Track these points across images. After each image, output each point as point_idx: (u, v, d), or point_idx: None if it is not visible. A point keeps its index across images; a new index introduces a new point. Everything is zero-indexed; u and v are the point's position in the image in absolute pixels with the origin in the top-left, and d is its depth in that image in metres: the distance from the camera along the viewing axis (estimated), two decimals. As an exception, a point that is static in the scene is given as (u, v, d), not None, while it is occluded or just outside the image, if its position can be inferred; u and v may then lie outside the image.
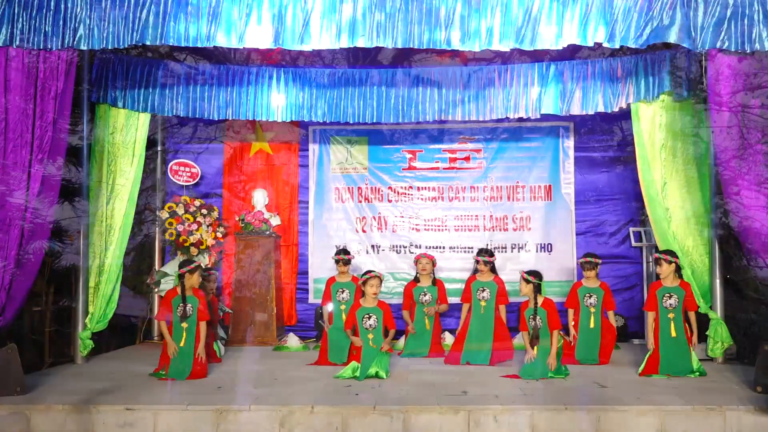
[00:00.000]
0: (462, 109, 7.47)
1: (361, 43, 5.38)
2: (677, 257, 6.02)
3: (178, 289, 5.88)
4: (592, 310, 6.62)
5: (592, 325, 6.60)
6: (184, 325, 5.82)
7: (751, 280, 6.99)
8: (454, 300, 7.40)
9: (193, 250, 7.74)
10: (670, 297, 5.88)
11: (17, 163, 5.38)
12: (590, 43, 5.39)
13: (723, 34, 5.33)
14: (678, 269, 5.99)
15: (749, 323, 6.65)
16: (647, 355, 5.91)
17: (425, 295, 7.05)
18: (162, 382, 5.63)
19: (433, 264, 7.18)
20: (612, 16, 5.36)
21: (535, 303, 5.81)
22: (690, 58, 6.85)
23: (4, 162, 5.35)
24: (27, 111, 5.42)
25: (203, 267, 5.93)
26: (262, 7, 5.42)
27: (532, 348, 5.77)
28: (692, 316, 5.94)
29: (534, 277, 5.82)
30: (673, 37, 5.29)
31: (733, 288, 6.97)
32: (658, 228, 6.93)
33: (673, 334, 5.82)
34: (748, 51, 5.36)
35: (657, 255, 6.03)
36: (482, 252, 6.96)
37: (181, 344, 5.80)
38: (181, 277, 5.89)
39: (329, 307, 7.09)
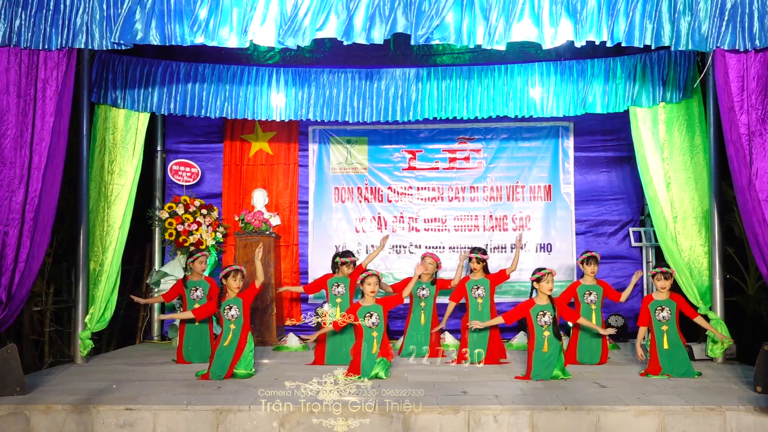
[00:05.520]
0: (462, 108, 7.48)
1: (363, 40, 5.37)
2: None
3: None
4: (593, 307, 6.62)
5: (594, 322, 6.57)
6: (233, 326, 5.84)
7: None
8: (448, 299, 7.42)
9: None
10: (663, 310, 5.93)
11: (17, 163, 5.38)
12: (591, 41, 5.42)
13: (726, 33, 5.35)
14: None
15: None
16: (647, 361, 5.95)
17: (423, 289, 7.06)
18: (163, 382, 5.63)
19: (437, 266, 7.19)
20: (617, 15, 5.38)
21: (551, 300, 5.87)
22: (691, 57, 6.87)
23: (5, 162, 5.35)
24: (27, 111, 5.42)
25: (237, 269, 5.98)
26: (263, 6, 5.42)
27: (555, 340, 5.75)
28: (699, 321, 6.06)
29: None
30: (683, 42, 5.31)
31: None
32: (658, 228, 6.95)
33: (666, 346, 5.87)
34: (749, 49, 5.37)
35: (657, 270, 6.08)
36: (476, 249, 6.98)
37: (225, 344, 5.82)
38: (224, 278, 5.95)
39: (326, 307, 7.08)
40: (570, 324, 6.74)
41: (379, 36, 5.22)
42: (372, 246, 8.51)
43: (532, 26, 5.34)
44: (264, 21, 5.33)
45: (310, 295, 8.43)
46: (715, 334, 6.17)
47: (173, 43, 5.42)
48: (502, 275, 6.95)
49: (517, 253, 7.03)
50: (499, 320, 6.17)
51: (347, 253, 7.23)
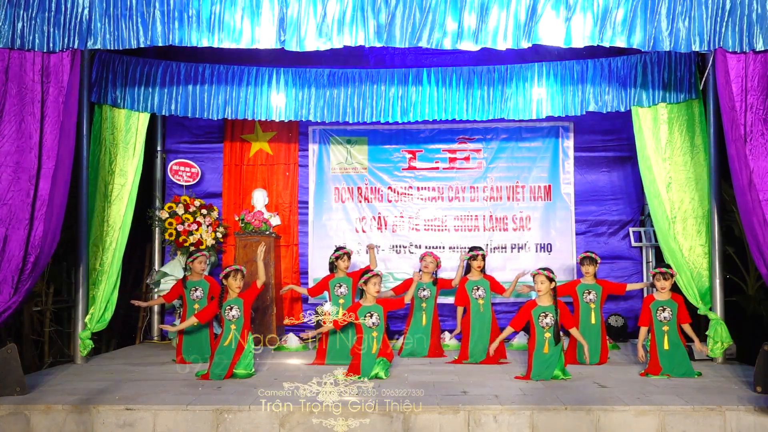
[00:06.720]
0: (462, 109, 7.48)
1: (362, 41, 5.38)
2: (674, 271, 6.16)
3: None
4: (592, 306, 6.63)
5: (593, 321, 6.60)
6: (233, 327, 5.85)
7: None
8: (450, 299, 7.41)
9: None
10: (664, 310, 5.94)
11: (27, 165, 5.38)
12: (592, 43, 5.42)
13: (724, 34, 5.35)
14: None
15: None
16: (647, 362, 5.95)
17: (424, 290, 7.07)
18: (163, 382, 5.63)
19: (437, 265, 7.21)
20: (616, 18, 5.38)
21: (555, 301, 5.86)
22: (692, 57, 6.87)
23: (15, 163, 5.36)
24: (34, 113, 5.43)
25: (237, 269, 5.98)
26: (263, 8, 5.42)
27: (555, 344, 5.76)
28: (687, 328, 5.99)
29: (553, 273, 5.92)
30: (682, 44, 5.32)
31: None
32: (658, 228, 6.95)
33: (666, 346, 5.87)
34: (747, 50, 5.38)
35: (657, 270, 6.07)
36: (478, 248, 7.05)
37: (225, 344, 5.82)
38: (225, 278, 5.95)
39: (327, 306, 7.08)
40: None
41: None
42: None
43: (525, 29, 5.35)
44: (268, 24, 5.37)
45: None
46: (699, 344, 6.11)
47: (176, 44, 5.44)
48: (501, 289, 6.94)
49: (515, 284, 6.86)
50: (509, 330, 6.09)
51: (339, 248, 7.28)
